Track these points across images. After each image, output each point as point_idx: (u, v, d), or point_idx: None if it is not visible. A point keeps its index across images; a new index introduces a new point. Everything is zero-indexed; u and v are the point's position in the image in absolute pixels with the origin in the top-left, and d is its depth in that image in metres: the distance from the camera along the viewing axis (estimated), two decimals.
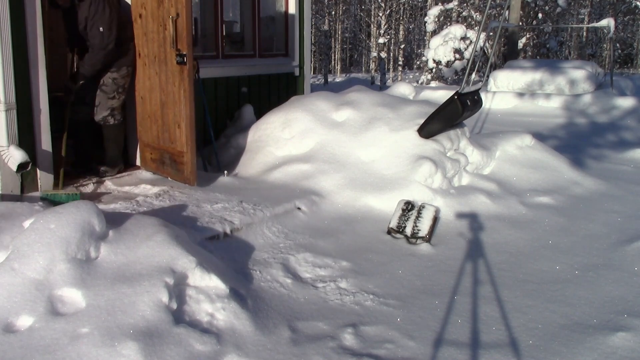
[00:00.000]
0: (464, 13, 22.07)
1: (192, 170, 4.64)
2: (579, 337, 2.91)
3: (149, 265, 2.87)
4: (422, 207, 4.41)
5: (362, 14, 36.50)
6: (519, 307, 3.24)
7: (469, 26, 20.25)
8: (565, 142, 8.28)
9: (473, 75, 13.61)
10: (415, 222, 4.25)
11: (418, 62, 33.98)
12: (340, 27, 36.37)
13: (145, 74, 4.88)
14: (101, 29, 4.50)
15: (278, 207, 4.29)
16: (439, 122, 5.17)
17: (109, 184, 4.83)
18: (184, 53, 4.42)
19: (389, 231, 4.28)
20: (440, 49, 18.80)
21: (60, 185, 4.46)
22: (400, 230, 4.23)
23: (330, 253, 3.87)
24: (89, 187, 4.69)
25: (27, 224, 2.93)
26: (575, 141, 8.39)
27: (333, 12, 35.46)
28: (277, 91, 7.06)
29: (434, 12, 22.92)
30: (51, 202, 3.91)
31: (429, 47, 19.99)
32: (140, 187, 4.71)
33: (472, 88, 5.74)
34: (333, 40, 35.85)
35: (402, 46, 32.02)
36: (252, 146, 5.66)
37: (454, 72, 18.85)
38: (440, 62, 18.89)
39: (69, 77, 4.94)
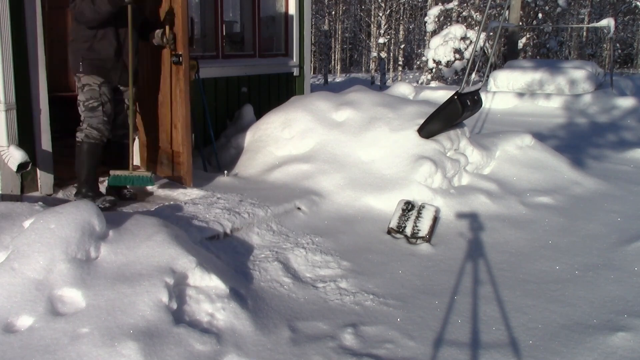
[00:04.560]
0: (464, 13, 22.04)
1: (188, 170, 4.63)
2: (579, 337, 2.91)
3: (149, 265, 2.87)
4: (422, 207, 4.41)
5: (362, 14, 36.51)
6: (519, 307, 3.24)
7: (469, 26, 20.21)
8: (565, 142, 8.28)
9: (473, 75, 13.63)
10: (415, 222, 4.25)
11: (418, 62, 33.93)
12: (340, 27, 36.37)
13: (142, 75, 4.88)
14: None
15: (278, 207, 4.29)
16: (439, 122, 5.17)
17: None
18: (180, 53, 4.42)
19: (389, 231, 4.28)
20: (440, 49, 18.77)
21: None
22: (400, 230, 4.23)
23: (330, 253, 3.87)
24: None
25: (27, 224, 2.93)
26: (575, 141, 8.39)
27: (333, 12, 35.44)
28: (277, 91, 7.06)
29: (434, 12, 22.89)
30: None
31: (429, 47, 19.96)
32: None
33: (472, 88, 5.74)
34: (333, 40, 35.84)
35: (402, 46, 32.03)
36: (252, 146, 5.65)
37: (454, 72, 18.82)
38: (440, 62, 18.86)
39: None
